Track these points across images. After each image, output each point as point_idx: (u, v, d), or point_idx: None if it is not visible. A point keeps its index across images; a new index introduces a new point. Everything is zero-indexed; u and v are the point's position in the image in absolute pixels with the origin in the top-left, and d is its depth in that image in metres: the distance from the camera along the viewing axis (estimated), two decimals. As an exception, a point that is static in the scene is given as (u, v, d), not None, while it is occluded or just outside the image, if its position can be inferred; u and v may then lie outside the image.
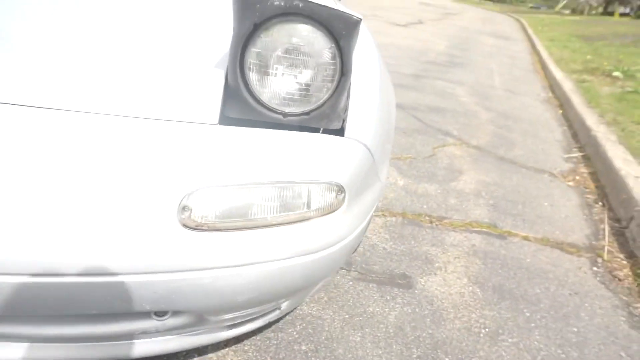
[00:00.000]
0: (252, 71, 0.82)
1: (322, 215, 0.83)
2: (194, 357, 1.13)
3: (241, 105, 0.83)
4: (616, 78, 5.34)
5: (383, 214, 1.93)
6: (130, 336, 0.89)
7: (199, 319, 0.87)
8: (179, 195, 0.72)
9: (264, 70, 0.83)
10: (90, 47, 0.86)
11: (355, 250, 1.28)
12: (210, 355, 1.15)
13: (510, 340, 1.35)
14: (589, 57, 7.21)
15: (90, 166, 0.70)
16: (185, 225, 0.72)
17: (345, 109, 0.93)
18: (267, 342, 1.21)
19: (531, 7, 40.06)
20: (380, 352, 1.24)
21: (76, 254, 0.67)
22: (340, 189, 0.84)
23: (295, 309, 1.31)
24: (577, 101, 4.11)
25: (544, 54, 7.83)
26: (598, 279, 1.72)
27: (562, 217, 2.16)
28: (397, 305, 1.41)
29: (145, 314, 0.88)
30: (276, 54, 0.82)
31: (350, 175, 0.86)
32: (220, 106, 0.83)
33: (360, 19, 0.81)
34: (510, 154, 2.91)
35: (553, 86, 5.39)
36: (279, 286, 0.82)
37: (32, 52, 0.82)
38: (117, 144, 0.73)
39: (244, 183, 0.76)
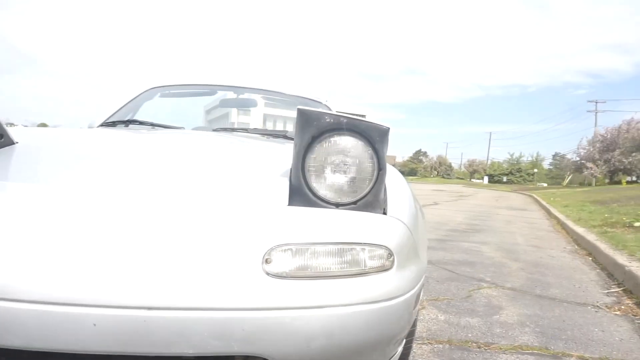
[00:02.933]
0: (311, 172, 1.09)
1: (377, 272, 0.98)
2: None
3: (303, 199, 1.08)
4: (638, 228, 5.46)
5: (429, 342, 1.94)
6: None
7: None
8: (262, 250, 0.90)
9: (320, 171, 1.09)
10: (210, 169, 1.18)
11: (413, 325, 1.29)
12: None
13: None
14: (606, 215, 7.45)
15: (208, 232, 0.92)
16: (267, 273, 0.89)
17: (385, 200, 1.16)
18: None
19: (538, 185, 42.27)
20: None
21: (185, 292, 0.83)
22: (390, 253, 1.01)
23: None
24: (604, 247, 4.20)
25: (562, 217, 8.13)
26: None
27: (618, 340, 2.09)
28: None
29: None
30: (329, 158, 1.09)
31: (396, 242, 1.03)
32: (287, 197, 1.07)
33: (389, 128, 1.11)
34: (548, 292, 2.92)
35: (577, 240, 5.51)
36: (346, 334, 0.92)
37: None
38: (223, 215, 0.97)
39: (312, 242, 0.95)
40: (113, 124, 2.32)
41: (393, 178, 1.30)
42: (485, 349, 1.90)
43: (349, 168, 1.10)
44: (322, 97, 3.02)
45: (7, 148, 1.25)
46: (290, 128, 2.68)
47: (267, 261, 0.90)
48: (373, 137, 1.09)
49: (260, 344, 0.87)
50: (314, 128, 1.08)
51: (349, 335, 0.93)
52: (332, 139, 1.09)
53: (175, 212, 0.96)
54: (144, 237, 0.88)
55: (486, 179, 57.31)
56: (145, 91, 2.80)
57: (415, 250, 1.15)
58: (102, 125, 2.37)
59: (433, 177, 64.59)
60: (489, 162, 67.27)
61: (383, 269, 0.99)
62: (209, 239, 0.90)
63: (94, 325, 0.81)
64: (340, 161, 1.10)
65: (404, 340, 1.40)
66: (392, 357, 1.31)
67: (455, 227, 6.45)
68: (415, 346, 1.86)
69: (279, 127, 2.98)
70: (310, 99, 2.84)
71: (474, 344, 1.94)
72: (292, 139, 2.15)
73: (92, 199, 0.97)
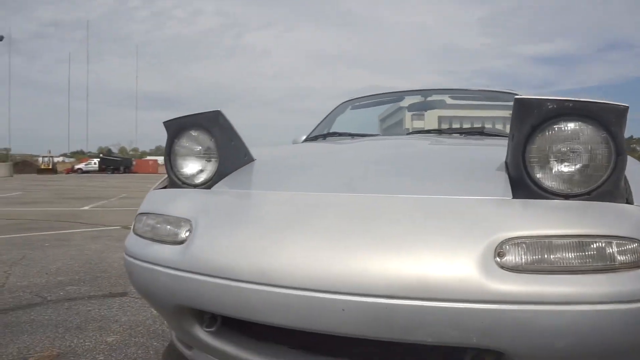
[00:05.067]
0: (533, 163, 1.03)
1: (631, 269, 0.87)
2: None
3: (527, 191, 1.02)
4: None
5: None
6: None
7: None
8: (493, 243, 0.90)
9: (544, 161, 1.02)
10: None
11: None
12: None
13: None
14: None
15: (442, 228, 0.96)
16: (502, 267, 0.87)
17: (627, 189, 1.02)
18: None
19: None
20: None
21: (422, 282, 0.87)
22: None
23: None
24: None
25: None
26: None
27: None
28: None
29: None
30: (554, 147, 1.01)
31: None
32: (510, 190, 1.04)
33: (627, 107, 0.98)
34: None
35: None
36: (598, 335, 0.83)
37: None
38: (455, 212, 0.99)
39: (546, 235, 0.89)
40: (315, 138, 2.58)
41: (633, 164, 1.13)
42: None
43: (578, 156, 1.01)
44: (513, 89, 2.83)
45: (250, 164, 1.51)
46: (487, 124, 2.57)
47: (499, 254, 0.89)
48: (607, 119, 0.97)
49: (500, 337, 0.86)
50: (534, 117, 1.02)
51: (601, 336, 0.84)
52: (555, 126, 1.01)
53: (413, 210, 1.02)
54: (384, 232, 0.97)
55: None
56: (337, 106, 3.04)
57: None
58: (306, 140, 2.66)
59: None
60: None
61: (638, 266, 0.87)
62: (443, 234, 0.94)
63: (343, 310, 0.92)
64: (568, 149, 1.01)
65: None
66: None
67: None
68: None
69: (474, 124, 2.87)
70: (502, 92, 2.68)
71: None
72: (490, 135, 2.08)
73: (338, 201, 1.10)
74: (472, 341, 0.87)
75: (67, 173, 41.50)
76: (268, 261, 1.00)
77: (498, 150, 1.27)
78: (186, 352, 1.36)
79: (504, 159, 1.17)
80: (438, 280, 0.87)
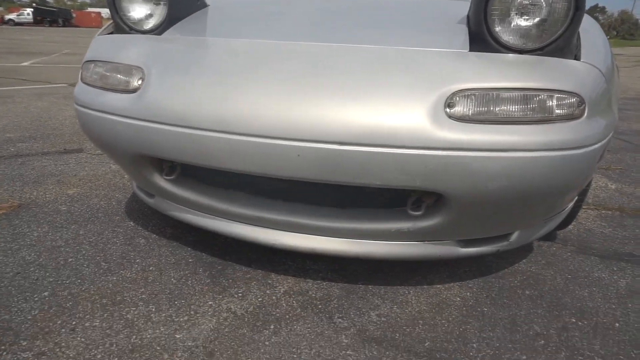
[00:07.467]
0: (494, 16, 1.02)
1: (565, 120, 0.94)
2: (423, 285, 1.28)
3: (484, 45, 1.03)
4: None
5: (596, 208, 1.85)
6: (384, 235, 1.10)
7: (446, 226, 1.04)
8: (445, 94, 0.93)
9: (504, 15, 1.01)
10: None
11: (588, 184, 1.25)
12: (437, 286, 1.28)
13: None
14: None
15: (392, 77, 0.97)
16: (450, 116, 0.92)
17: (578, 46, 1.04)
18: (490, 284, 1.29)
19: None
20: (614, 306, 1.20)
21: (372, 130, 0.92)
22: (581, 101, 0.94)
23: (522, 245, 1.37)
24: None
25: None
26: None
27: None
28: (626, 275, 1.35)
29: (402, 214, 1.09)
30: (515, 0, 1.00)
31: (588, 89, 0.96)
32: (468, 43, 1.04)
33: None
34: None
35: None
36: (526, 178, 0.94)
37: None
38: (415, 62, 1.00)
39: (495, 87, 0.93)
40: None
41: (585, 22, 1.15)
42: (665, 219, 1.75)
43: (539, 9, 1.00)
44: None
45: (204, 9, 1.41)
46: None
47: (449, 105, 0.93)
48: None
49: (441, 180, 0.94)
50: None
51: (529, 179, 0.94)
52: None
53: (370, 60, 1.01)
54: (340, 81, 0.97)
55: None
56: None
57: (609, 101, 1.06)
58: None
59: (610, 38, 53.69)
60: (695, 17, 52.62)
61: (571, 117, 0.95)
62: (397, 85, 0.95)
63: (298, 155, 0.97)
64: (529, 2, 1.00)
65: (576, 198, 1.37)
66: (562, 211, 1.30)
67: (635, 96, 5.52)
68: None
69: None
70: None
71: (651, 214, 1.80)
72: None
73: (296, 49, 1.07)
74: (416, 184, 0.95)
75: (-3, 25, 37.08)
76: (226, 109, 1.01)
77: (463, 4, 1.24)
78: (148, 200, 1.42)
79: (467, 12, 1.15)
80: (389, 128, 0.91)
